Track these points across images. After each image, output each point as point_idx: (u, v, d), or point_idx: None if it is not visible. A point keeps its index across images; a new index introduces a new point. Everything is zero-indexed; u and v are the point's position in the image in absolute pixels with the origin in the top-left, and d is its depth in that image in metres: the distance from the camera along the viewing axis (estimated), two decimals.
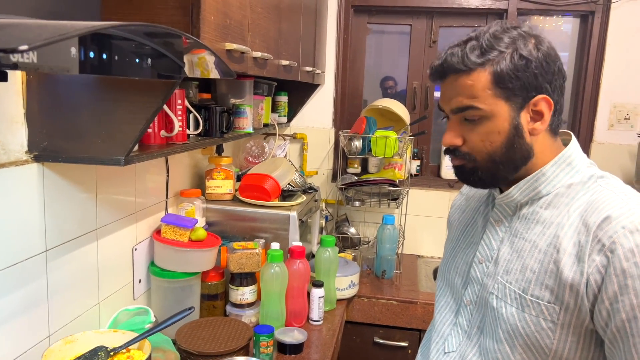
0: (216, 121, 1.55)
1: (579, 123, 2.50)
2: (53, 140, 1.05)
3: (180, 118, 1.34)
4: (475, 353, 0.94)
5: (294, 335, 1.55)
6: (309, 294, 1.73)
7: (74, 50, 0.58)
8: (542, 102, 0.85)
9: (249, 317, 1.64)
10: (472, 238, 1.02)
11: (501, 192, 0.96)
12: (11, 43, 0.41)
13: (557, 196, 0.88)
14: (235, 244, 1.66)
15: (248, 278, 1.64)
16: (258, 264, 1.63)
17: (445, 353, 1.00)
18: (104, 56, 0.65)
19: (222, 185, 1.86)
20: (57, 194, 1.14)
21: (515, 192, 0.92)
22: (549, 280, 0.83)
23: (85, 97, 1.05)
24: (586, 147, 2.48)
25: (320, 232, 2.35)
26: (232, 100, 1.79)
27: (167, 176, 1.68)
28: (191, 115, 1.46)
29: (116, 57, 0.69)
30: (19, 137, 1.03)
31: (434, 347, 1.04)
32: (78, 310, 1.25)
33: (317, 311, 1.71)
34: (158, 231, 1.57)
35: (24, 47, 0.40)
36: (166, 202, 1.69)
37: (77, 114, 1.04)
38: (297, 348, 1.52)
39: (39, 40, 0.41)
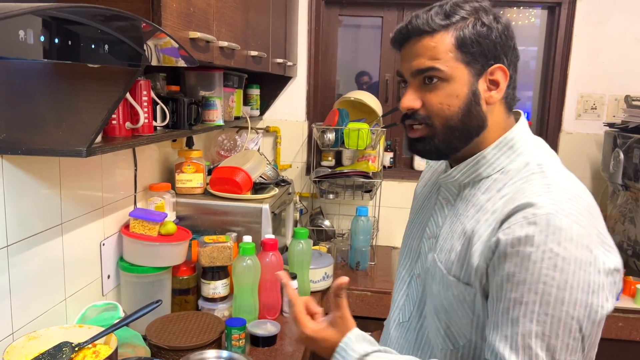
0: (184, 113, 1.52)
1: (547, 113, 2.54)
2: (11, 131, 1.02)
3: (146, 109, 1.32)
4: (419, 324, 0.98)
5: (266, 328, 1.54)
6: (282, 286, 1.72)
7: (22, 33, 0.56)
8: (499, 71, 0.86)
9: (221, 311, 1.63)
10: (426, 213, 1.03)
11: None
12: None
13: (495, 181, 0.88)
14: (206, 238, 1.64)
15: (220, 272, 1.63)
16: (230, 257, 1.62)
17: (399, 323, 1.03)
18: (56, 41, 0.63)
19: (192, 179, 1.84)
20: (18, 187, 1.11)
21: (457, 173, 0.93)
22: (465, 263, 0.85)
23: (45, 87, 1.02)
24: (555, 136, 2.53)
25: (295, 225, 2.34)
26: (202, 93, 1.77)
27: (136, 170, 1.65)
28: (158, 107, 1.44)
29: (70, 42, 0.67)
30: None
31: (391, 316, 1.07)
32: (43, 306, 1.23)
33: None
34: (127, 226, 1.55)
35: None
36: (135, 196, 1.66)
37: (35, 104, 1.01)
38: (269, 340, 1.51)
39: None
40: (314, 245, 2.25)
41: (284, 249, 2.06)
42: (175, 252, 1.54)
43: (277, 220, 1.95)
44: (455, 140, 0.88)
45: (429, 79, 0.85)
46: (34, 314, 1.19)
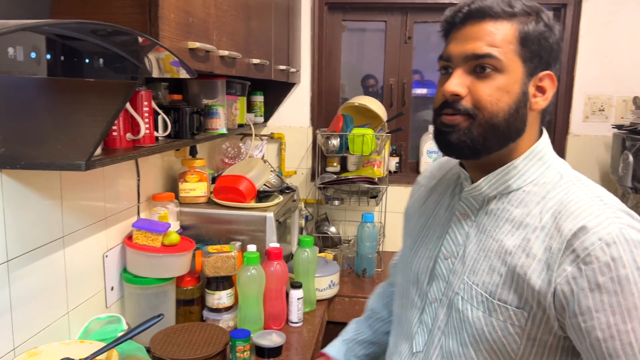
0: (186, 122, 1.51)
1: (555, 116, 2.51)
2: (10, 145, 1.01)
3: (147, 120, 1.31)
4: (438, 355, 0.88)
5: (272, 339, 1.52)
6: (287, 295, 1.70)
7: (11, 51, 0.55)
8: (548, 78, 0.82)
9: (226, 321, 1.61)
10: (435, 231, 0.95)
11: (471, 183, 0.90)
12: None
13: (528, 194, 0.83)
14: (210, 248, 1.63)
15: (224, 282, 1.61)
16: (234, 267, 1.60)
17: (413, 353, 0.94)
18: (48, 57, 0.62)
19: (196, 188, 1.83)
20: (18, 201, 1.10)
21: (484, 184, 0.86)
22: (516, 285, 0.78)
23: (44, 101, 1.01)
24: (562, 139, 2.49)
25: (300, 232, 2.33)
26: (205, 101, 1.76)
27: (138, 180, 1.64)
28: (159, 117, 1.43)
29: (62, 58, 0.65)
30: None
31: (403, 346, 0.97)
32: (46, 321, 1.21)
33: (296, 313, 1.69)
34: (130, 237, 1.54)
35: None
36: (138, 206, 1.65)
37: (35, 118, 1.00)
38: (275, 351, 1.49)
39: None
40: (320, 252, 2.23)
41: (290, 257, 2.04)
42: (179, 262, 1.52)
43: (282, 228, 1.94)
44: (494, 139, 0.81)
45: (481, 67, 0.79)
46: (36, 329, 1.18)
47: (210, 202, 1.85)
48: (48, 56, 0.62)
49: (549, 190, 0.81)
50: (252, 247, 1.65)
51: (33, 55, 0.59)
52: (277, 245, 1.71)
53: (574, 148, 2.48)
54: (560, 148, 2.50)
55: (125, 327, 1.33)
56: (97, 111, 0.99)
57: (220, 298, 1.60)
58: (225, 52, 1.33)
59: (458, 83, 0.79)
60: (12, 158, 1.01)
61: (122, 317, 1.35)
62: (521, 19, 0.79)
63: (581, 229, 0.74)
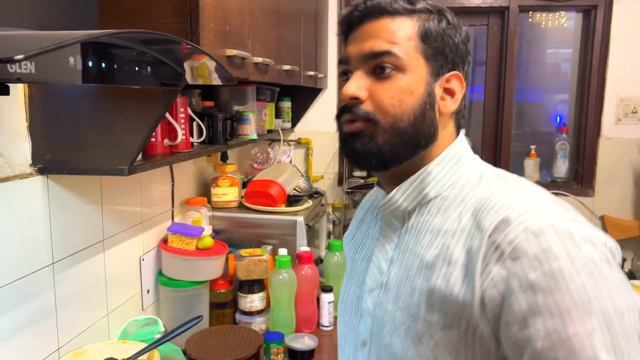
0: (219, 128, 1.54)
1: (585, 118, 2.47)
2: (57, 152, 1.05)
3: (183, 126, 1.34)
4: None
5: (304, 342, 1.54)
6: (318, 299, 1.72)
7: (72, 60, 0.58)
8: (456, 79, 0.75)
9: (258, 324, 1.63)
10: (362, 264, 0.82)
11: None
12: (7, 53, 0.40)
13: (446, 199, 0.73)
14: (242, 251, 1.65)
15: (256, 285, 1.63)
16: (266, 270, 1.62)
17: None
18: (103, 65, 0.65)
19: (227, 193, 1.85)
20: (62, 206, 1.14)
21: (399, 196, 0.75)
22: (441, 300, 0.66)
23: (88, 108, 1.04)
24: (594, 142, 2.46)
25: (328, 236, 2.34)
26: (235, 107, 1.79)
27: (173, 185, 1.68)
28: (194, 124, 1.46)
29: (115, 66, 0.68)
30: (22, 150, 1.03)
31: None
32: (87, 322, 1.25)
33: (327, 316, 1.70)
34: (165, 240, 1.57)
35: (19, 57, 0.40)
36: (172, 211, 1.69)
37: (79, 125, 1.04)
38: (308, 354, 1.50)
39: (34, 49, 0.41)
40: None
41: (318, 261, 2.06)
42: (212, 266, 1.55)
43: (311, 232, 1.95)
44: (401, 147, 0.72)
45: (381, 68, 0.71)
46: (78, 330, 1.21)
47: (241, 207, 1.88)
48: (103, 65, 0.65)
49: (469, 192, 0.72)
50: (283, 251, 1.67)
51: (90, 64, 0.62)
52: (307, 249, 1.73)
53: (606, 151, 2.44)
54: (591, 152, 2.47)
55: (162, 329, 1.36)
56: (139, 118, 1.03)
57: (253, 301, 1.62)
58: (260, 59, 1.35)
59: (356, 85, 0.71)
60: (58, 164, 1.05)
61: (159, 319, 1.38)
62: (422, 16, 0.73)
63: (503, 221, 0.63)
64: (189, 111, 1.40)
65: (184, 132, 1.33)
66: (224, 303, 1.65)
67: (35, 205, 1.06)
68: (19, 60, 0.40)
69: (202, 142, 1.50)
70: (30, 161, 1.05)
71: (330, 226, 2.40)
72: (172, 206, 1.69)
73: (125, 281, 1.42)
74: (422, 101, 0.71)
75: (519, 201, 0.65)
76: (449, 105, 0.74)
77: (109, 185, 1.32)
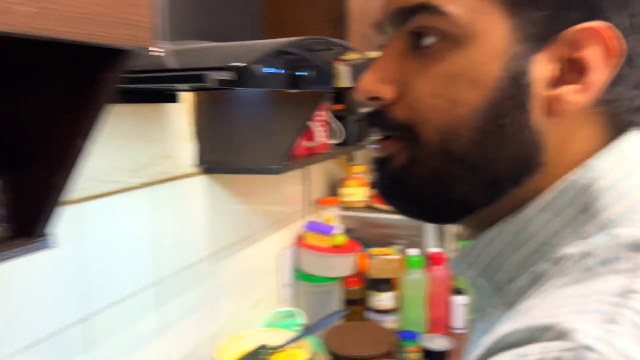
0: (352, 130, 1.59)
1: None
2: (218, 153, 1.16)
3: (322, 128, 1.40)
4: None
5: (438, 342, 1.52)
6: (450, 301, 1.69)
7: (255, 67, 0.64)
8: (594, 37, 0.36)
9: (388, 323, 1.65)
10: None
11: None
12: (225, 61, 0.46)
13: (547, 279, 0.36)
14: (373, 250, 1.68)
15: (387, 284, 1.65)
16: (397, 270, 1.63)
17: None
18: (279, 71, 0.71)
19: (355, 193, 1.90)
20: (219, 202, 1.25)
21: (460, 258, 0.43)
22: None
23: (245, 113, 1.14)
24: None
25: (457, 238, 2.29)
26: (362, 109, 1.83)
27: (306, 185, 1.75)
28: (330, 126, 1.52)
29: (282, 72, 0.74)
30: (188, 152, 1.15)
31: None
32: (237, 310, 1.35)
33: (459, 319, 1.67)
34: (301, 237, 1.65)
35: (238, 64, 0.45)
36: (306, 210, 1.76)
37: (238, 129, 1.13)
38: (442, 355, 1.49)
39: (247, 58, 0.47)
40: None
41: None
42: (346, 262, 1.60)
43: (438, 233, 1.93)
44: (466, 184, 0.39)
45: (418, 36, 0.39)
46: (230, 317, 1.32)
47: (369, 206, 1.91)
48: (280, 71, 0.71)
49: (567, 284, 0.33)
50: (413, 251, 1.67)
51: (273, 70, 0.68)
52: (438, 249, 1.71)
53: None
54: None
55: (302, 321, 1.43)
56: (290, 121, 1.10)
57: (383, 300, 1.64)
58: None
59: (378, 74, 0.40)
60: (219, 164, 1.15)
61: (299, 311, 1.45)
62: None
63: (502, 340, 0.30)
64: (326, 114, 1.45)
65: (322, 134, 1.40)
66: (355, 300, 1.69)
67: (197, 201, 1.18)
68: (239, 68, 0.46)
69: (337, 144, 1.55)
70: (194, 162, 1.16)
71: (455, 227, 2.35)
72: (305, 205, 1.77)
73: (267, 275, 1.52)
74: (497, 95, 0.37)
75: (573, 314, 0.29)
76: (573, 97, 0.36)
77: (254, 185, 1.42)
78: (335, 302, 1.64)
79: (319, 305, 1.59)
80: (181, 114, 1.12)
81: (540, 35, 0.37)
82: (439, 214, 0.42)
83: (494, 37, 0.37)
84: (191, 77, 0.56)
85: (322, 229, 1.60)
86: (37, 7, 0.37)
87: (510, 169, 0.38)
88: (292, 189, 1.70)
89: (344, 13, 1.01)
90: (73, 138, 0.50)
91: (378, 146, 0.42)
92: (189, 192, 1.15)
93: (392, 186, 0.42)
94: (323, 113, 1.42)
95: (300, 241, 1.63)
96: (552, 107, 0.37)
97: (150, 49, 0.48)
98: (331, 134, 1.51)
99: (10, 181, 0.56)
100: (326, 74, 0.96)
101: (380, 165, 0.42)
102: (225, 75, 0.56)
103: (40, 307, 0.80)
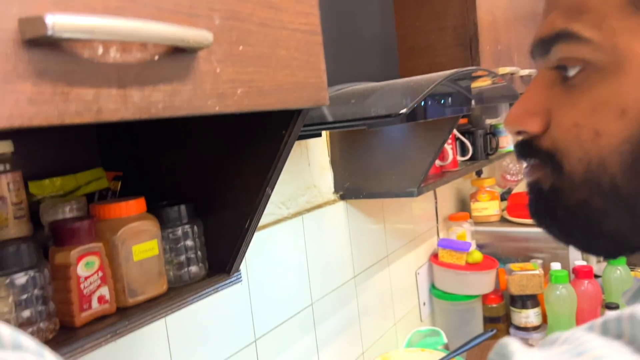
0: (480, 144, 1.57)
1: None
2: (353, 180, 1.21)
3: (451, 146, 1.40)
4: None
5: None
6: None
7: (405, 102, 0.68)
8: None
9: (536, 340, 1.58)
10: None
11: None
12: (391, 109, 0.51)
13: None
14: (512, 266, 1.63)
15: (530, 300, 1.59)
16: (540, 285, 1.57)
17: None
18: (422, 103, 0.74)
19: (488, 207, 1.86)
20: (358, 226, 1.30)
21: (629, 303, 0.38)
22: None
23: (378, 141, 1.18)
24: None
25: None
26: (488, 121, 1.79)
27: (436, 202, 1.76)
28: (458, 142, 1.52)
29: (429, 103, 0.77)
30: (328, 180, 1.22)
31: None
32: (380, 330, 1.39)
33: None
34: (435, 255, 1.65)
35: (403, 111, 0.50)
36: (437, 227, 1.76)
37: (372, 156, 1.18)
38: None
39: (409, 103, 0.51)
40: (630, 270, 2.01)
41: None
42: (484, 280, 1.57)
43: None
44: (617, 218, 0.36)
45: (563, 67, 0.37)
46: (374, 337, 1.36)
47: (502, 220, 1.86)
48: (422, 103, 0.74)
49: None
50: (556, 265, 1.59)
51: (427, 103, 0.72)
52: (584, 262, 1.61)
53: None
54: None
55: (445, 340, 1.43)
56: (425, 144, 1.12)
57: (528, 317, 1.58)
58: (526, 72, 1.34)
59: (527, 108, 0.39)
60: (356, 190, 1.21)
61: (441, 330, 1.45)
62: None
63: None
64: (455, 131, 1.46)
65: (452, 152, 1.40)
66: (497, 317, 1.65)
67: (339, 226, 1.24)
68: (404, 114, 0.50)
69: (467, 160, 1.54)
70: (333, 189, 1.23)
71: None
72: (437, 222, 1.76)
73: (405, 294, 1.54)
74: None
75: None
76: None
77: (387, 207, 1.46)
78: (476, 320, 1.61)
79: (460, 323, 1.58)
80: (320, 146, 1.19)
81: None
82: (591, 247, 0.40)
83: None
84: (356, 125, 0.61)
85: (456, 247, 1.58)
86: (247, 87, 0.45)
87: None
88: (423, 206, 1.71)
89: (474, 36, 1.02)
90: (263, 186, 0.58)
91: (527, 171, 0.42)
92: (332, 218, 1.21)
93: (540, 210, 0.42)
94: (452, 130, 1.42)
95: (434, 259, 1.63)
96: None
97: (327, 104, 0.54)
98: (460, 150, 1.50)
99: (205, 225, 0.66)
100: (465, 98, 0.97)
101: (530, 188, 0.42)
102: (391, 120, 0.60)
103: (219, 334, 0.91)
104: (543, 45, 0.38)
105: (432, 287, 1.65)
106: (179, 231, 0.62)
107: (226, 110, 0.43)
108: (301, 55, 0.50)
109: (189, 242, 0.63)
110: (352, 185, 1.22)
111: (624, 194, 0.35)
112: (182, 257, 0.63)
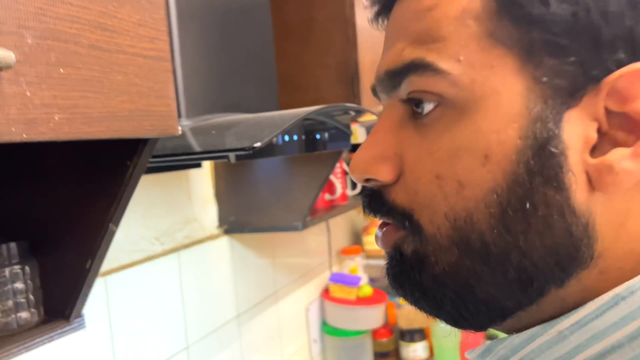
0: None
1: None
2: (239, 214, 1.18)
3: (340, 180, 1.42)
4: None
5: None
6: None
7: (274, 139, 0.67)
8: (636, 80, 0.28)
9: None
10: None
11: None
12: (246, 142, 0.48)
13: None
14: (401, 299, 1.66)
15: (418, 334, 1.62)
16: (427, 318, 1.60)
17: None
18: (295, 138, 0.73)
19: None
20: (243, 261, 1.26)
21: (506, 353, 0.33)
22: None
23: (264, 174, 1.16)
24: None
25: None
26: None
27: (329, 235, 1.76)
28: (347, 177, 1.54)
29: (303, 137, 0.76)
30: (211, 214, 1.17)
31: None
32: None
33: None
34: (326, 290, 1.64)
35: (258, 145, 0.47)
36: (330, 261, 1.76)
37: (257, 189, 1.16)
38: None
39: (267, 136, 0.49)
40: None
41: None
42: (374, 314, 1.57)
43: None
44: (490, 284, 0.31)
45: (415, 101, 0.32)
46: None
47: None
48: (295, 138, 0.73)
49: None
50: None
51: (287, 138, 0.70)
52: None
53: None
54: None
55: None
56: (310, 179, 1.12)
57: (416, 350, 1.61)
58: None
59: (376, 152, 0.34)
60: (241, 224, 1.17)
61: None
62: None
63: None
64: (344, 166, 1.47)
65: (341, 186, 1.41)
66: (387, 352, 1.66)
67: (222, 262, 1.19)
68: (259, 148, 0.48)
69: (357, 194, 1.57)
70: (217, 223, 1.18)
71: None
72: (330, 256, 1.76)
73: (295, 331, 1.50)
74: (519, 171, 0.29)
75: None
76: (628, 160, 0.28)
77: (277, 241, 1.43)
78: (366, 356, 1.60)
79: (350, 359, 1.57)
80: (203, 178, 1.15)
81: (570, 87, 0.28)
82: (463, 319, 0.33)
83: (506, 97, 0.29)
84: (214, 156, 0.58)
85: (347, 281, 1.59)
86: (68, 113, 0.40)
87: (552, 264, 0.29)
88: (316, 240, 1.70)
89: (356, 74, 1.04)
90: (105, 222, 0.52)
91: (379, 233, 0.35)
92: (214, 254, 1.16)
93: (404, 282, 0.35)
94: (340, 165, 1.44)
95: (326, 294, 1.61)
96: (601, 180, 0.28)
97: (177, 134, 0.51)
98: (351, 184, 1.52)
99: (41, 266, 0.59)
100: (344, 134, 0.98)
101: (388, 254, 0.36)
102: (245, 153, 0.58)
103: None
104: (391, 79, 0.33)
105: (324, 323, 1.63)
106: (7, 272, 0.55)
107: (39, 138, 0.38)
108: (143, 82, 0.47)
109: (19, 285, 0.55)
110: (237, 219, 1.18)
111: (494, 252, 0.30)
112: (10, 302, 0.55)
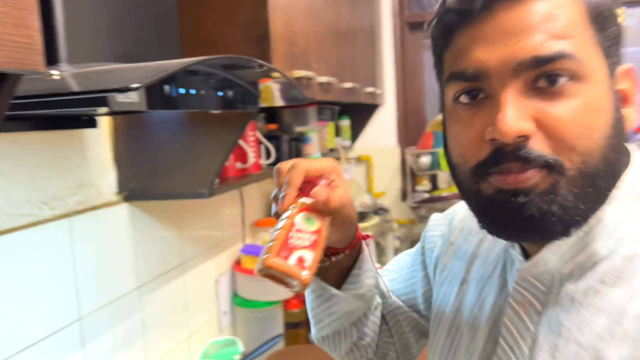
0: (285, 150, 1.57)
1: None
2: (140, 179, 1.10)
3: (253, 149, 1.37)
4: None
5: None
6: None
7: (167, 88, 0.61)
8: (628, 74, 0.51)
9: None
10: (481, 330, 0.57)
11: (524, 253, 0.54)
12: (124, 83, 0.43)
13: (633, 261, 0.47)
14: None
15: None
16: None
17: None
18: (192, 92, 0.68)
19: None
20: (145, 231, 1.19)
21: (551, 256, 0.50)
22: None
23: (167, 136, 1.09)
24: None
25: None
26: (298, 128, 1.82)
27: (242, 207, 1.71)
28: (262, 146, 1.50)
29: (202, 92, 0.71)
30: (109, 179, 1.09)
31: None
32: (171, 343, 1.29)
33: None
34: (238, 262, 1.60)
35: (135, 85, 0.42)
36: (243, 233, 1.72)
37: (160, 152, 1.09)
38: None
39: (147, 79, 0.44)
40: None
41: None
42: None
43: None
44: (593, 198, 0.47)
45: (551, 78, 0.45)
46: (163, 352, 1.25)
47: None
48: (192, 91, 0.68)
49: None
50: None
51: (182, 91, 0.65)
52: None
53: None
54: None
55: (241, 349, 1.38)
56: (217, 142, 1.06)
57: None
58: (325, 79, 1.37)
59: (518, 115, 0.45)
60: (143, 191, 1.10)
61: (237, 340, 1.40)
62: None
63: None
64: (258, 134, 1.43)
65: (254, 154, 1.37)
66: (298, 323, 1.66)
67: (121, 231, 1.11)
68: (136, 89, 0.43)
69: (271, 164, 1.53)
70: (116, 189, 1.10)
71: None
72: (243, 228, 1.72)
73: (203, 303, 1.46)
74: (613, 121, 0.47)
75: None
76: (633, 116, 0.50)
77: (186, 210, 1.36)
78: (277, 327, 1.59)
79: (260, 331, 1.55)
80: (100, 139, 1.06)
81: (612, 74, 0.49)
82: (565, 231, 0.47)
83: (603, 74, 0.47)
84: (92, 100, 0.52)
85: (259, 252, 1.55)
86: None
87: (617, 178, 0.49)
88: (229, 211, 1.65)
89: (266, 33, 1.00)
90: None
91: (516, 177, 0.46)
92: (112, 222, 1.08)
93: (535, 215, 0.46)
94: (254, 133, 1.39)
95: (237, 266, 1.58)
96: (625, 127, 0.49)
97: (41, 71, 0.44)
98: (265, 154, 1.48)
99: None
100: (251, 94, 0.93)
101: (522, 194, 0.46)
102: (129, 98, 0.52)
103: None
104: (535, 62, 0.45)
105: (235, 295, 1.59)
106: None
107: None
108: None
109: None
110: (138, 184, 1.11)
111: (600, 178, 0.47)
112: None
